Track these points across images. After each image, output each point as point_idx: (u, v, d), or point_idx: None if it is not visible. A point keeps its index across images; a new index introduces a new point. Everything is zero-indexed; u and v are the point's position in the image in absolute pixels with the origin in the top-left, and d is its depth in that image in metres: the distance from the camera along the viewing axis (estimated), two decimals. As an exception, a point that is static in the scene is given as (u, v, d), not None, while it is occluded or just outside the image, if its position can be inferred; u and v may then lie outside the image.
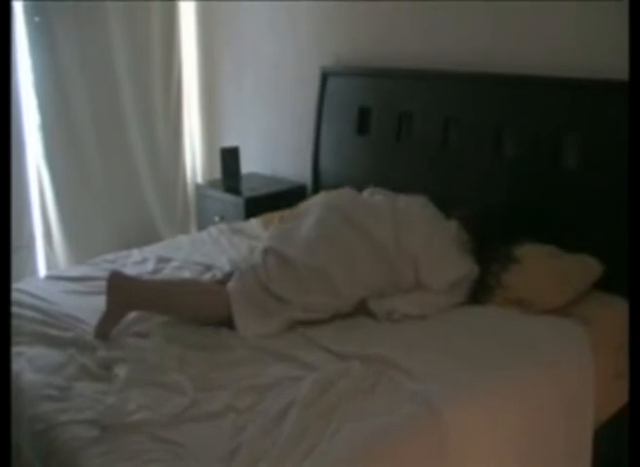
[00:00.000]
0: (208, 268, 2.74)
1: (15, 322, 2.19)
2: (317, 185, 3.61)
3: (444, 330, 2.18)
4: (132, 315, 2.28)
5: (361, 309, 2.33)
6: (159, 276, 2.68)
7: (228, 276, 2.46)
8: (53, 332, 2.21)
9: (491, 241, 2.50)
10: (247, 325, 2.21)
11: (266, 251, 2.43)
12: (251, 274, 2.35)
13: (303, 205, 2.78)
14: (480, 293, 2.38)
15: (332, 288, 2.30)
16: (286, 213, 2.95)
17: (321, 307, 2.28)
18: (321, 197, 2.74)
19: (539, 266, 2.38)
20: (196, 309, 2.29)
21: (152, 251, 2.96)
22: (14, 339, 2.08)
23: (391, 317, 2.27)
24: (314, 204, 2.65)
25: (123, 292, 2.24)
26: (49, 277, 2.77)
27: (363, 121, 3.32)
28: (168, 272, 2.71)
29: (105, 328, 2.18)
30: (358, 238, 2.42)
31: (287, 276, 2.32)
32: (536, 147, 2.63)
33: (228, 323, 2.23)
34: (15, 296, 2.38)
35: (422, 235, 2.45)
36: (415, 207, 2.59)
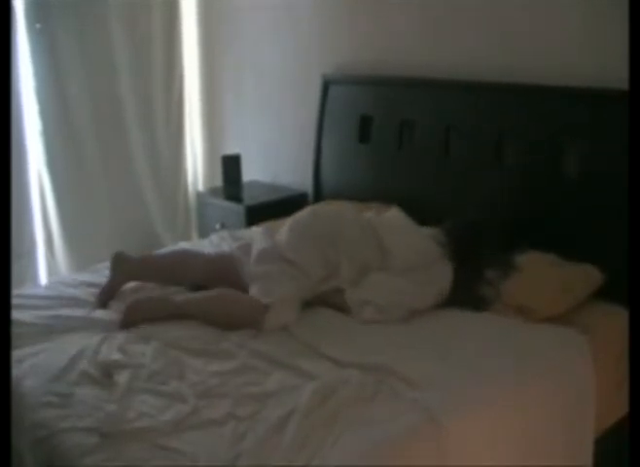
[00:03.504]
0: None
1: (15, 328, 2.18)
2: (318, 193, 3.62)
3: (444, 337, 2.18)
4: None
5: (337, 301, 2.40)
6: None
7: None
8: (54, 338, 2.22)
9: (489, 249, 2.51)
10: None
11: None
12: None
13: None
14: (476, 303, 2.39)
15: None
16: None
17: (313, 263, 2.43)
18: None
19: (539, 273, 2.38)
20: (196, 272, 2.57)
21: (153, 258, 2.95)
22: (14, 344, 2.08)
23: (366, 309, 2.32)
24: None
25: (125, 265, 2.58)
26: (50, 284, 2.77)
27: (364, 129, 3.33)
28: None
29: (106, 295, 2.48)
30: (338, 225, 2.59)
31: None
32: (537, 155, 2.64)
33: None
34: (16, 301, 2.38)
35: (390, 218, 2.72)
36: (390, 213, 2.79)
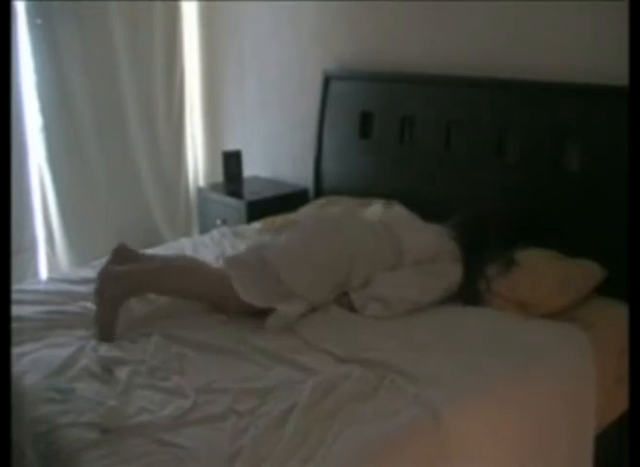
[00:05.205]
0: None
1: (16, 324, 2.19)
2: (319, 188, 3.62)
3: (445, 333, 2.19)
4: (134, 315, 2.30)
5: (342, 303, 2.39)
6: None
7: None
8: (55, 334, 2.21)
9: (491, 245, 2.51)
10: (246, 292, 2.28)
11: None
12: (250, 252, 2.52)
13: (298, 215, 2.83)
14: (474, 297, 2.39)
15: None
16: (279, 219, 2.98)
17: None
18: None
19: (540, 269, 2.38)
20: (192, 288, 2.39)
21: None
22: (15, 340, 2.08)
23: (371, 305, 2.31)
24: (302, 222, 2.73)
25: (117, 281, 2.32)
26: (51, 280, 2.77)
27: (365, 124, 3.33)
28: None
29: (106, 323, 2.21)
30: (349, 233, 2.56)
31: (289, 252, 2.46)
32: (538, 151, 2.63)
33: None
34: (16, 297, 2.38)
35: (401, 214, 2.71)
36: (395, 209, 2.81)
